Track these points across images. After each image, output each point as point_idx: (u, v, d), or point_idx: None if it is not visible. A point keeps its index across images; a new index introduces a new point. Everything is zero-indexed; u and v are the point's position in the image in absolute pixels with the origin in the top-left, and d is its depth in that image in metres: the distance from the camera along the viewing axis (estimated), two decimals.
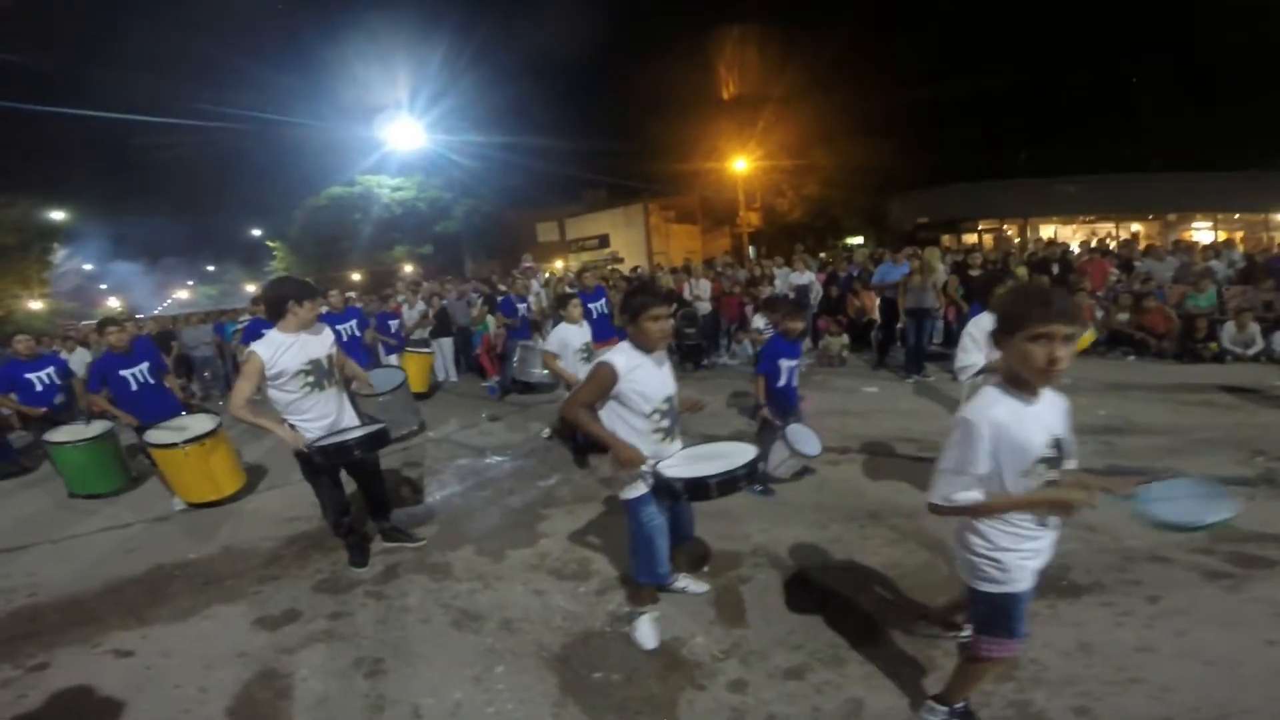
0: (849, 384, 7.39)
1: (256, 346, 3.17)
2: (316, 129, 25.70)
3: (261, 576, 3.60)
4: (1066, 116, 22.31)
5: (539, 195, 31.21)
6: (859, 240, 24.50)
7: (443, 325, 9.48)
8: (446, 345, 9.58)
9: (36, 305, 22.85)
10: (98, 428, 5.29)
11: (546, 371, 7.50)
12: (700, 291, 8.99)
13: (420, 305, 10.05)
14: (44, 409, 5.50)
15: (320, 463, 3.25)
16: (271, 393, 3.25)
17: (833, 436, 4.92)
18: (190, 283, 39.35)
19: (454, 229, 25.82)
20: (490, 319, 8.89)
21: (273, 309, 3.29)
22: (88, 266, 29.61)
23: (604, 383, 2.43)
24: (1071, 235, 20.00)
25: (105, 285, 32.20)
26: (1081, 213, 21.14)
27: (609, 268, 18.13)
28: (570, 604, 3.04)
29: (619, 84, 37.74)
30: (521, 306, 7.92)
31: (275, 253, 30.21)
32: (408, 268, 24.55)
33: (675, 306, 9.20)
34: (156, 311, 25.04)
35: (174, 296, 36.94)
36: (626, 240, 29.01)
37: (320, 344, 3.37)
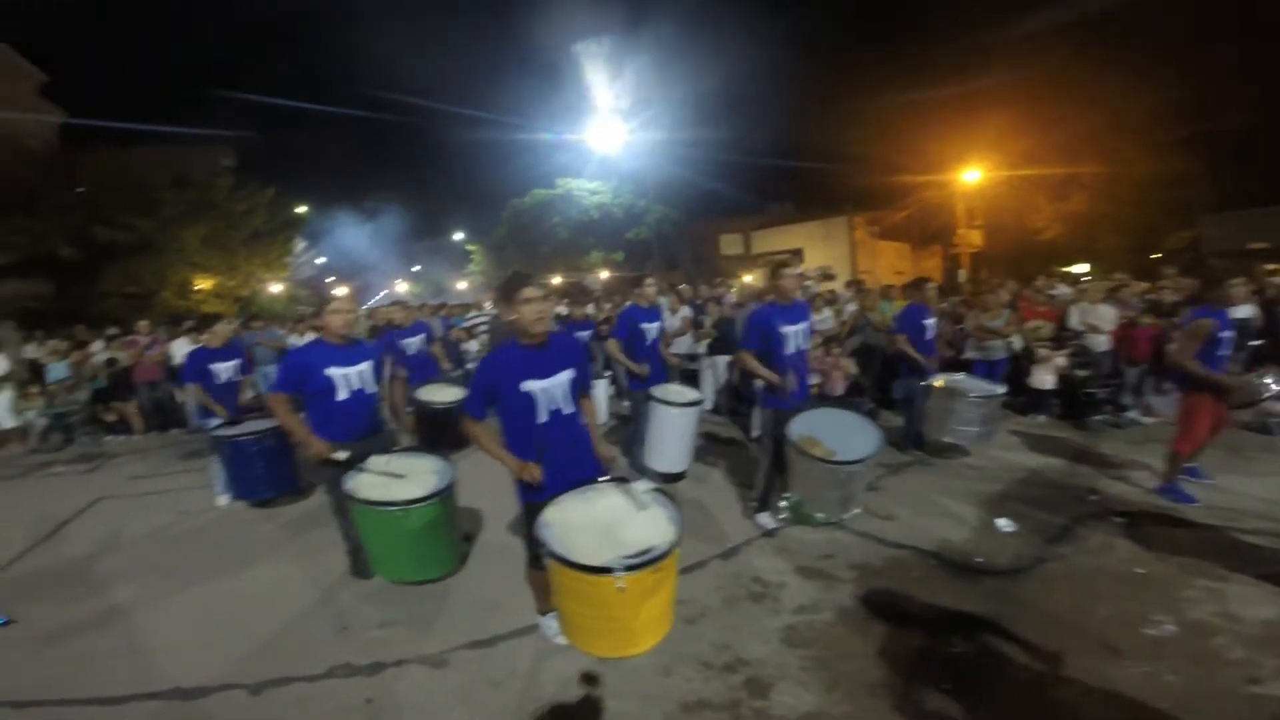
0: None
1: None
2: (520, 131, 26.37)
3: None
4: None
5: (722, 207, 29.93)
6: (1084, 268, 20.01)
7: (724, 338, 7.84)
8: (721, 365, 7.97)
9: (277, 288, 25.27)
10: (432, 476, 3.23)
11: (982, 429, 4.97)
12: (1098, 320, 6.54)
13: (685, 310, 8.58)
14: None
15: None
16: None
17: None
18: (399, 280, 42.97)
19: (645, 236, 25.05)
20: None
21: None
22: (320, 260, 32.98)
23: None
24: None
25: (331, 279, 35.80)
26: None
27: (823, 285, 15.63)
28: None
29: (825, 87, 35.41)
30: (929, 323, 5.57)
31: (473, 256, 31.57)
32: (603, 274, 24.11)
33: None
34: (372, 304, 26.95)
35: (385, 291, 40.42)
36: (825, 255, 26.42)
37: None
